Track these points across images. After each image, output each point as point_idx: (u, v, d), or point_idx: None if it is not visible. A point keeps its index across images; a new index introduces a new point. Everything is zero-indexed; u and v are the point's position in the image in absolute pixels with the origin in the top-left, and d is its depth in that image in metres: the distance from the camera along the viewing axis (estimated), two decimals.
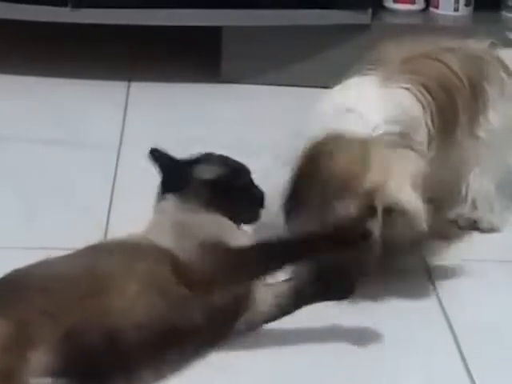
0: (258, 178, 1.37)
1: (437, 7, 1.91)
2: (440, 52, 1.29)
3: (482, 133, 1.32)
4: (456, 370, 1.13)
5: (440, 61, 1.28)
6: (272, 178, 1.42)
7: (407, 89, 1.24)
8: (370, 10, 1.80)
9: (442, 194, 1.30)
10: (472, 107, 1.31)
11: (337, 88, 1.27)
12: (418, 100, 1.24)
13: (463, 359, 1.14)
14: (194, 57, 1.93)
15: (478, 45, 1.37)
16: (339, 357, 1.14)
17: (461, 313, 1.22)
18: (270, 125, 1.75)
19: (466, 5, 1.89)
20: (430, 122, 1.26)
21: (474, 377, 1.11)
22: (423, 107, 1.24)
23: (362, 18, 1.81)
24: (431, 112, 1.25)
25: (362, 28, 1.83)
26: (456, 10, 1.91)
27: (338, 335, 1.18)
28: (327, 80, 1.81)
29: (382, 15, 1.90)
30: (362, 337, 1.17)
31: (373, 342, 1.17)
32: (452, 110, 1.29)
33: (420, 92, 1.24)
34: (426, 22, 1.93)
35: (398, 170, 1.14)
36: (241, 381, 1.04)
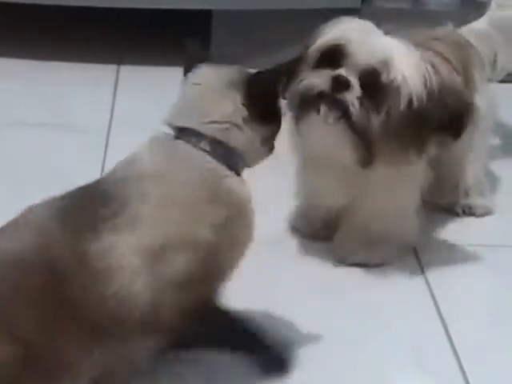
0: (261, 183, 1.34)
1: None
2: (429, 41, 1.29)
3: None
4: (442, 347, 1.15)
5: (432, 49, 1.28)
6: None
7: None
8: None
9: (440, 181, 1.33)
10: None
11: None
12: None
13: (450, 340, 1.16)
14: (183, 41, 1.97)
15: (443, 30, 1.38)
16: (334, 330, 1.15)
17: (448, 292, 1.25)
18: None
19: None
20: None
21: (460, 355, 1.13)
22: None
23: (352, 1, 1.81)
24: None
25: (351, 12, 1.79)
26: None
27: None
28: None
29: (372, 1, 1.91)
30: (353, 315, 1.19)
31: (363, 318, 1.18)
32: None
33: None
34: (415, 7, 1.93)
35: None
36: None
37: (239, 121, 0.96)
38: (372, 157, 1.14)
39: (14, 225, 0.93)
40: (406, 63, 1.15)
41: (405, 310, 1.23)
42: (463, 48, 1.35)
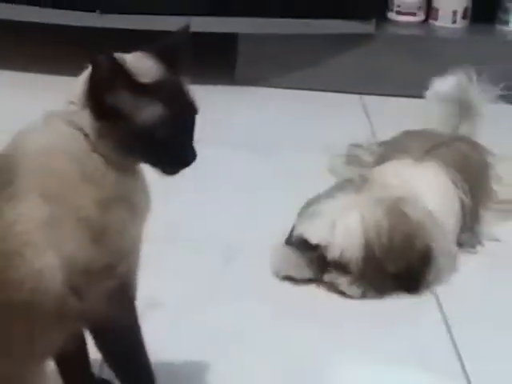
0: (272, 171, 1.59)
1: (436, 19, 2.02)
2: (446, 141, 1.50)
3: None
4: (445, 349, 1.19)
5: (450, 147, 1.48)
6: (287, 171, 1.59)
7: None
8: (373, 21, 1.90)
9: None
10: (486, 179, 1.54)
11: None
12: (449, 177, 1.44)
13: (453, 342, 1.21)
14: (211, 60, 1.99)
15: (451, 135, 1.53)
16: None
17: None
18: (280, 125, 1.85)
19: (463, 17, 2.01)
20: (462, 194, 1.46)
21: (459, 346, 1.19)
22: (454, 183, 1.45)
23: (367, 27, 1.92)
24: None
25: (366, 37, 1.94)
26: (454, 22, 2.02)
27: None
28: (332, 84, 1.99)
29: (385, 26, 2.02)
30: (356, 311, 1.26)
31: (369, 313, 1.24)
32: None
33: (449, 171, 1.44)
34: (426, 33, 2.05)
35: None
36: None
37: (81, 106, 0.94)
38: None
39: None
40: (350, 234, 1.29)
41: (410, 313, 1.31)
42: (477, 146, 1.54)
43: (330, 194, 1.39)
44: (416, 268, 1.33)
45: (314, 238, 1.30)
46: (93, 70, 0.89)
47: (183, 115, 0.93)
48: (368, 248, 1.29)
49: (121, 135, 0.90)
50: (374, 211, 1.32)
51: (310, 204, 1.38)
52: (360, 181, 1.46)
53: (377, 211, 1.32)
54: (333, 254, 1.28)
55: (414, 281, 1.34)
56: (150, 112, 0.90)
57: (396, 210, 1.34)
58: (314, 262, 1.37)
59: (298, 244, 1.35)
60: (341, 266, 1.32)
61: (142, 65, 0.92)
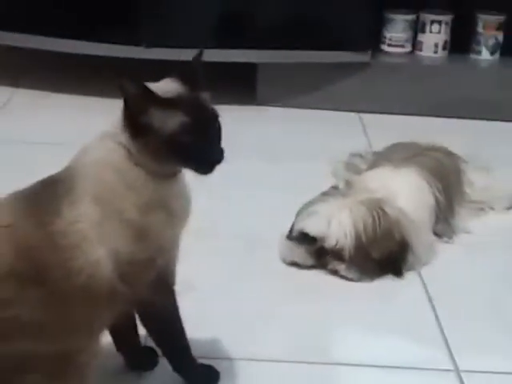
0: (284, 176, 1.67)
1: (421, 50, 2.23)
2: (424, 151, 1.64)
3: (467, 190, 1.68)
4: (426, 314, 1.32)
5: (428, 156, 1.62)
6: (297, 175, 1.68)
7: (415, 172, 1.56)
8: (369, 52, 2.12)
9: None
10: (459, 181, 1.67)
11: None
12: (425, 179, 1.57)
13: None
14: (236, 84, 2.18)
15: (431, 143, 1.67)
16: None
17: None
18: (291, 137, 2.01)
19: (443, 49, 2.22)
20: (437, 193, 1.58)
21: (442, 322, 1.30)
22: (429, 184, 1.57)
23: (364, 57, 2.13)
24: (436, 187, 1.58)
25: (363, 65, 2.15)
26: (435, 52, 2.23)
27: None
28: (336, 104, 2.17)
29: (379, 56, 2.23)
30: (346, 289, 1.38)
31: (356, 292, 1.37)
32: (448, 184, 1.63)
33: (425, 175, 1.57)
34: (412, 62, 2.26)
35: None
36: None
37: (122, 128, 0.99)
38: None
39: None
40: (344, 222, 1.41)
41: (400, 292, 1.42)
42: (453, 156, 1.69)
43: (321, 198, 1.50)
44: (395, 254, 1.46)
45: (313, 232, 1.40)
46: (124, 96, 0.96)
47: (204, 121, 0.98)
48: (357, 238, 1.41)
49: (154, 147, 0.96)
50: (360, 209, 1.44)
51: (306, 206, 1.47)
52: (345, 187, 1.63)
53: (362, 210, 1.44)
54: (330, 243, 1.40)
55: (395, 265, 1.47)
56: (173, 121, 0.95)
57: (377, 208, 1.46)
58: (313, 253, 1.46)
59: (298, 238, 1.45)
60: (336, 254, 1.44)
61: (165, 86, 0.99)
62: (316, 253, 1.46)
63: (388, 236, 1.43)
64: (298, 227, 1.44)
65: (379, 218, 1.43)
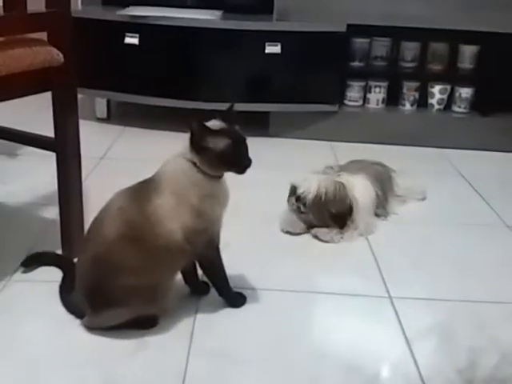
0: (287, 178, 1.78)
1: (368, 103, 2.71)
2: (369, 164, 1.92)
3: (396, 191, 1.94)
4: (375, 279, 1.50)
5: (371, 167, 1.88)
6: (294, 176, 1.79)
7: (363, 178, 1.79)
8: (337, 104, 2.58)
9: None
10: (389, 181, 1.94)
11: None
12: (371, 182, 1.80)
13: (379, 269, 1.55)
14: (255, 123, 2.46)
15: (370, 161, 1.94)
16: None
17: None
18: (290, 156, 2.37)
19: (382, 102, 2.70)
20: (378, 191, 1.82)
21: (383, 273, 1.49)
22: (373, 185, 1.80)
23: (334, 108, 2.58)
24: (377, 187, 1.82)
25: (334, 112, 2.60)
26: (377, 104, 2.72)
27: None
28: (317, 136, 2.55)
29: (343, 107, 2.67)
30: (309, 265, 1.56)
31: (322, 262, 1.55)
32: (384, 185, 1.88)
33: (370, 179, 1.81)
34: (363, 111, 2.69)
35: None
36: None
37: (189, 149, 1.16)
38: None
39: (107, 205, 1.19)
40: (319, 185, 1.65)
41: (354, 251, 1.66)
42: (386, 168, 1.96)
43: (312, 174, 1.70)
44: (345, 214, 1.71)
45: (295, 184, 1.70)
46: (191, 130, 1.15)
47: (239, 142, 1.18)
48: (317, 194, 1.66)
49: (210, 159, 1.16)
50: (327, 181, 1.69)
51: (300, 179, 1.71)
52: (335, 170, 1.88)
53: (328, 181, 1.69)
54: (299, 191, 1.67)
55: (343, 220, 1.71)
56: (221, 143, 1.16)
57: (339, 183, 1.72)
58: (303, 220, 1.68)
59: (291, 190, 1.70)
60: (302, 200, 1.67)
61: (214, 123, 1.21)
62: (303, 220, 1.69)
63: (343, 200, 1.69)
64: (293, 184, 1.71)
65: (339, 189, 1.71)
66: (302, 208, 1.68)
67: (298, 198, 1.69)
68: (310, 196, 1.66)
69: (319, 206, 1.67)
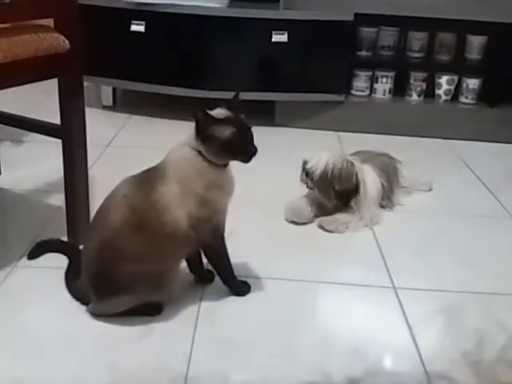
0: (289, 166, 1.79)
1: (375, 93, 2.70)
2: (375, 155, 1.91)
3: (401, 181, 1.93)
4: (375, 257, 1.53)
5: (377, 158, 1.87)
6: (297, 165, 1.78)
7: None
8: (344, 94, 2.57)
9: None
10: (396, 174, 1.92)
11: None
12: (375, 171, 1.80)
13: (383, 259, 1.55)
14: (262, 112, 2.45)
15: (375, 151, 1.92)
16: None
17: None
18: (296, 145, 2.34)
19: (389, 92, 2.69)
20: (383, 181, 1.81)
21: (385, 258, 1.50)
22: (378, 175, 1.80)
23: (340, 97, 2.58)
24: (383, 178, 1.82)
25: (340, 102, 2.59)
26: (384, 95, 2.71)
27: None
28: (322, 126, 2.56)
29: (349, 96, 2.66)
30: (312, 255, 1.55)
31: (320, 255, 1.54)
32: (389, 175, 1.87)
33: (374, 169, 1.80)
34: (370, 101, 2.68)
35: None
36: None
37: (195, 138, 1.17)
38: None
39: (112, 193, 1.18)
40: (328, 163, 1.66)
41: (359, 240, 1.66)
42: (391, 158, 1.95)
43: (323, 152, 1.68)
44: (350, 192, 1.71)
45: (306, 158, 1.71)
46: (196, 119, 1.16)
47: (244, 130, 1.18)
48: (325, 170, 1.68)
49: (215, 148, 1.16)
50: (336, 158, 1.71)
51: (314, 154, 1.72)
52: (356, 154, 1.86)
53: (338, 158, 1.71)
54: (308, 166, 1.69)
55: (347, 199, 1.72)
56: (227, 132, 1.16)
57: (348, 161, 1.73)
58: (311, 199, 1.71)
59: (303, 164, 1.71)
60: (310, 175, 1.68)
61: (219, 112, 1.21)
62: (312, 202, 1.71)
63: (349, 178, 1.71)
64: (304, 159, 1.73)
65: (347, 167, 1.73)
66: (310, 183, 1.71)
67: (308, 173, 1.71)
68: (318, 172, 1.67)
69: (325, 182, 1.69)
